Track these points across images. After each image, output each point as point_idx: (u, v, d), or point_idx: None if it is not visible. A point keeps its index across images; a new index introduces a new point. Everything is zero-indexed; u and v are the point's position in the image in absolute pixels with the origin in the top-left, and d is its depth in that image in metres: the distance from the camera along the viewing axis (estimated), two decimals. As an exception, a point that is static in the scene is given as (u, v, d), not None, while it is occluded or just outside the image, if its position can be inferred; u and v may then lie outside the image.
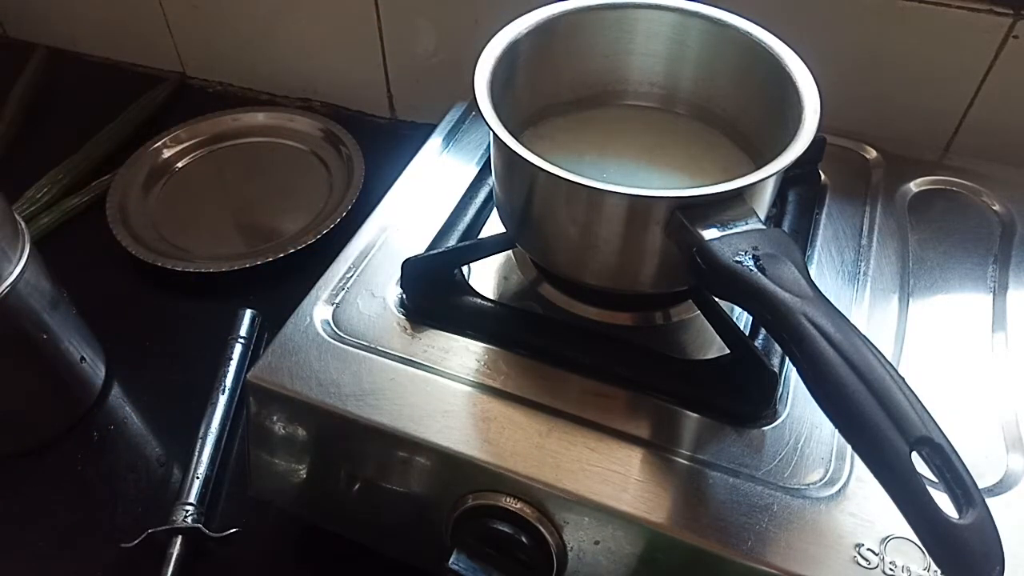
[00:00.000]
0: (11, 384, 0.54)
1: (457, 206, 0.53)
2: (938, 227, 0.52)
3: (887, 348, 0.45)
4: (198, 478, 0.53)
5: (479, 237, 0.52)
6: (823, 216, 0.53)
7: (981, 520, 0.30)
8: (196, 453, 0.54)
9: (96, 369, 0.60)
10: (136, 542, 0.50)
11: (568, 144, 0.50)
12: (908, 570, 0.35)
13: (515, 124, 0.47)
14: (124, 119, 0.82)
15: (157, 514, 0.51)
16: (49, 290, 0.53)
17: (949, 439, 0.31)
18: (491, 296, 0.49)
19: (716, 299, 0.45)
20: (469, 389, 0.43)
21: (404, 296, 0.47)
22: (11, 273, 0.49)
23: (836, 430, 0.34)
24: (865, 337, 0.33)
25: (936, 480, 0.31)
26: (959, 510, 0.30)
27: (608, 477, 0.39)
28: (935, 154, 0.58)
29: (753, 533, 0.37)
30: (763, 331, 0.45)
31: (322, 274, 0.49)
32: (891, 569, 0.35)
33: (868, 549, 0.36)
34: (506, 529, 0.40)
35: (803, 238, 0.51)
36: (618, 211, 0.40)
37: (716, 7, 0.48)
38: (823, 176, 0.55)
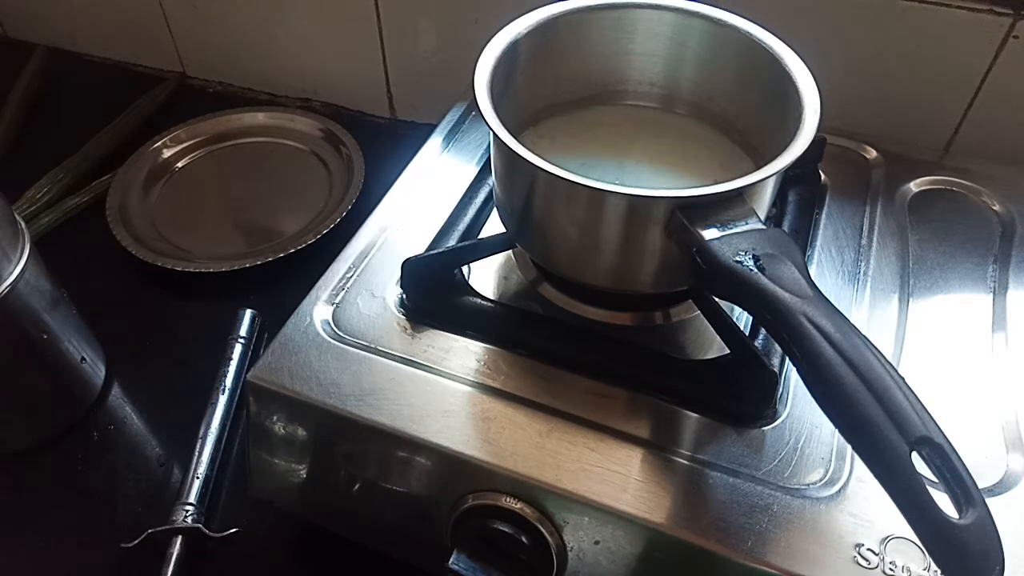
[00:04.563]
0: (11, 384, 0.54)
1: (457, 206, 0.53)
2: (938, 227, 0.52)
3: (887, 348, 0.45)
4: (198, 478, 0.53)
5: (479, 237, 0.52)
6: (823, 216, 0.53)
7: (981, 520, 0.30)
8: (196, 453, 0.54)
9: (96, 369, 0.60)
10: (136, 542, 0.50)
11: (568, 144, 0.50)
12: (908, 570, 0.35)
13: (515, 124, 0.47)
14: (124, 119, 0.82)
15: (157, 514, 0.51)
16: (49, 290, 0.53)
17: (949, 439, 0.31)
18: (491, 296, 0.49)
19: (716, 299, 0.45)
20: (469, 389, 0.43)
21: (404, 296, 0.47)
22: (11, 273, 0.49)
23: (836, 430, 0.34)
24: (865, 337, 0.33)
25: (936, 480, 0.31)
26: (959, 510, 0.30)
27: (608, 477, 0.39)
28: (935, 154, 0.58)
29: (753, 533, 0.37)
30: (763, 331, 0.45)
31: (322, 274, 0.49)
32: (891, 569, 0.35)
33: (868, 549, 0.36)
34: (506, 529, 0.40)
35: (803, 238, 0.51)
36: (618, 211, 0.40)
37: (716, 7, 0.48)
38: (823, 176, 0.55)
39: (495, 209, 0.49)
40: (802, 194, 0.53)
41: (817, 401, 0.33)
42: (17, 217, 0.52)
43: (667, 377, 0.43)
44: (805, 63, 0.44)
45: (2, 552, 0.52)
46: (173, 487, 0.54)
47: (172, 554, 0.49)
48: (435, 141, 0.59)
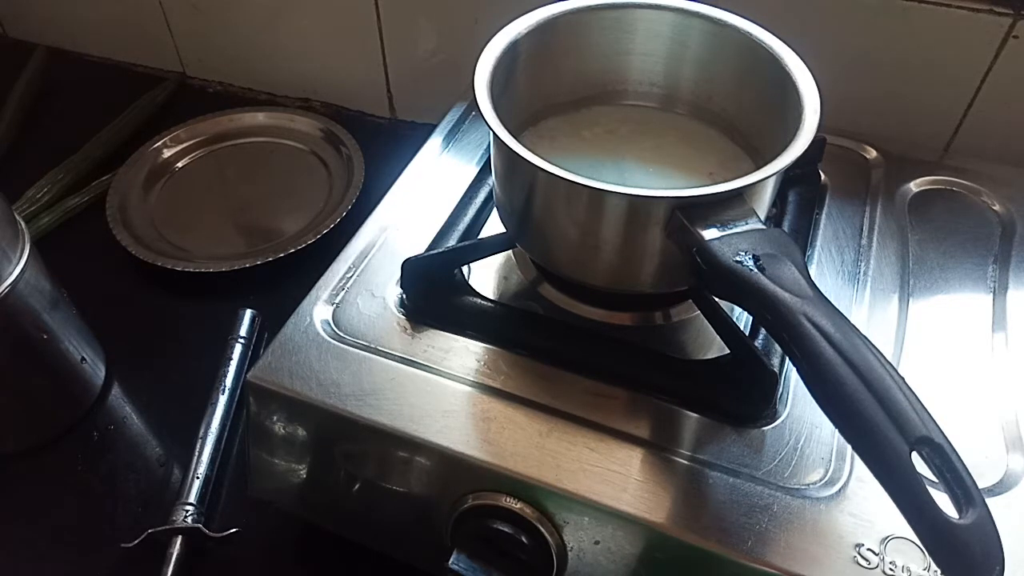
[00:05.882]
0: (11, 384, 0.54)
1: (457, 206, 0.53)
2: (938, 227, 0.52)
3: (887, 348, 0.45)
4: (198, 478, 0.53)
5: (479, 237, 0.52)
6: (823, 216, 0.53)
7: (981, 520, 0.30)
8: (196, 453, 0.54)
9: (96, 369, 0.60)
10: (136, 542, 0.49)
11: (568, 144, 0.50)
12: (908, 570, 0.35)
13: (515, 124, 0.47)
14: (124, 119, 0.82)
15: (157, 514, 0.51)
16: (49, 290, 0.53)
17: (949, 439, 0.31)
18: (491, 296, 0.49)
19: (716, 299, 0.45)
20: (469, 389, 0.43)
21: (404, 296, 0.47)
22: (11, 273, 0.49)
23: (836, 430, 0.34)
24: (865, 337, 0.33)
25: (936, 480, 0.31)
26: (959, 510, 0.30)
27: (608, 477, 0.39)
28: (935, 154, 0.58)
29: (753, 533, 0.37)
30: (763, 331, 0.45)
31: (322, 274, 0.49)
32: (891, 569, 0.35)
33: (868, 549, 0.36)
34: (506, 529, 0.40)
35: (803, 238, 0.51)
36: (618, 211, 0.40)
37: (716, 7, 0.48)
38: (823, 176, 0.55)
39: (495, 209, 0.49)
40: (802, 194, 0.53)
41: (817, 401, 0.33)
42: (17, 217, 0.52)
43: (667, 377, 0.43)
44: (805, 63, 0.44)
45: (2, 552, 0.52)
46: (173, 487, 0.54)
47: (172, 554, 0.49)
48: (435, 141, 0.59)
